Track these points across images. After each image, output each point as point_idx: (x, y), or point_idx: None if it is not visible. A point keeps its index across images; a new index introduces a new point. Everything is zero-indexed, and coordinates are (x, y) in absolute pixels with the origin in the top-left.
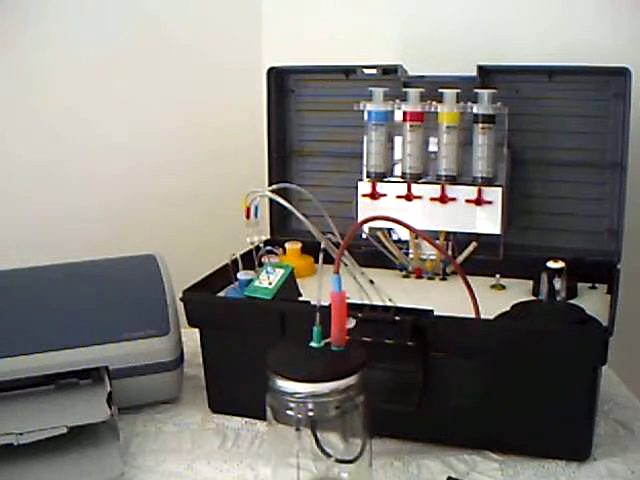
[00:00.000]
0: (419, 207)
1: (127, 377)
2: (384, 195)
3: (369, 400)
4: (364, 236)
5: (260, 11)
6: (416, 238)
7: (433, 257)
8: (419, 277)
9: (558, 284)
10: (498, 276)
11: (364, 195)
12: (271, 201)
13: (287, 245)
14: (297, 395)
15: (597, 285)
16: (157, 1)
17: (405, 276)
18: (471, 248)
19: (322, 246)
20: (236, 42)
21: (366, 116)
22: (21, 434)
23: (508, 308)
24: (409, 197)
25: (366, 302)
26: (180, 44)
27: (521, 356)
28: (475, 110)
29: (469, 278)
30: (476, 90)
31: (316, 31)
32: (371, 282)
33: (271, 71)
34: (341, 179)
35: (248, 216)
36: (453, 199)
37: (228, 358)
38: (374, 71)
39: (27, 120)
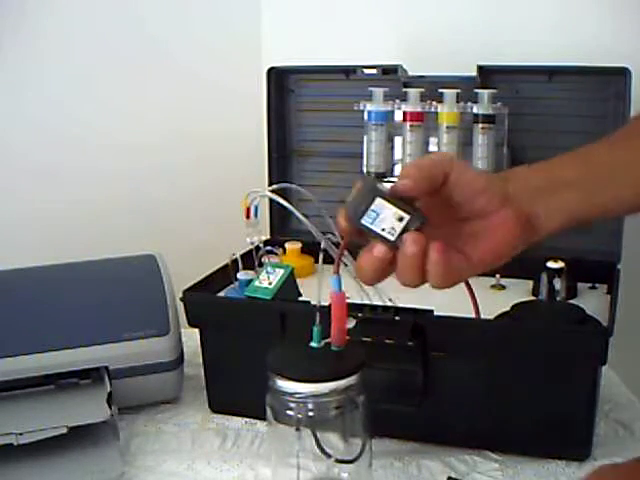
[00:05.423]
0: None
1: (127, 377)
2: None
3: (369, 400)
4: None
5: (260, 11)
6: None
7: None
8: None
9: (558, 284)
10: (498, 276)
11: None
12: (271, 201)
13: (287, 245)
14: (297, 395)
15: (597, 285)
16: (157, 2)
17: None
18: None
19: (322, 246)
20: (236, 42)
21: (366, 116)
22: (21, 434)
23: (508, 308)
24: None
25: (366, 302)
26: (180, 45)
27: (521, 356)
28: (475, 110)
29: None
30: (476, 90)
31: (316, 31)
32: None
33: (271, 71)
34: (341, 179)
35: (248, 216)
36: None
37: (228, 358)
38: (374, 71)
39: (27, 120)
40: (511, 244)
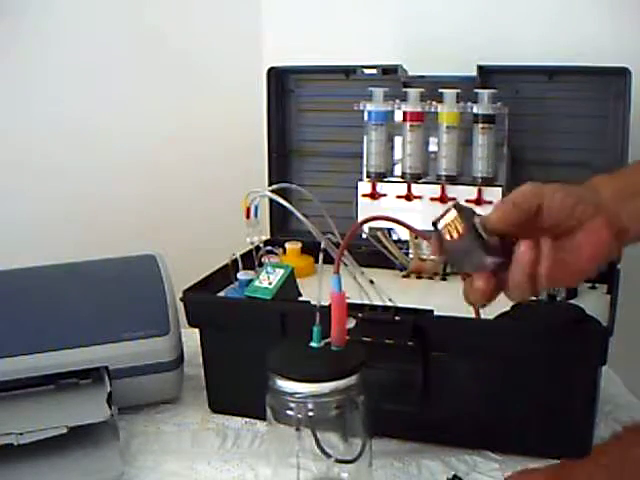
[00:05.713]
0: (419, 207)
1: (127, 377)
2: (384, 195)
3: (369, 400)
4: (364, 236)
5: (260, 11)
6: (416, 238)
7: (433, 257)
8: (419, 277)
9: None
10: None
11: (364, 195)
12: (271, 201)
13: (287, 245)
14: (297, 395)
15: (597, 285)
16: (157, 2)
17: (405, 276)
18: None
19: (322, 246)
20: (236, 42)
21: (366, 116)
22: (21, 434)
23: (508, 308)
24: (409, 197)
25: (366, 302)
26: (180, 45)
27: (521, 356)
28: (475, 110)
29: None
30: (476, 90)
31: (316, 31)
32: (371, 282)
33: (271, 71)
34: (341, 179)
35: (248, 216)
36: (453, 199)
37: (228, 358)
38: (374, 71)
39: (26, 120)
40: (605, 250)
